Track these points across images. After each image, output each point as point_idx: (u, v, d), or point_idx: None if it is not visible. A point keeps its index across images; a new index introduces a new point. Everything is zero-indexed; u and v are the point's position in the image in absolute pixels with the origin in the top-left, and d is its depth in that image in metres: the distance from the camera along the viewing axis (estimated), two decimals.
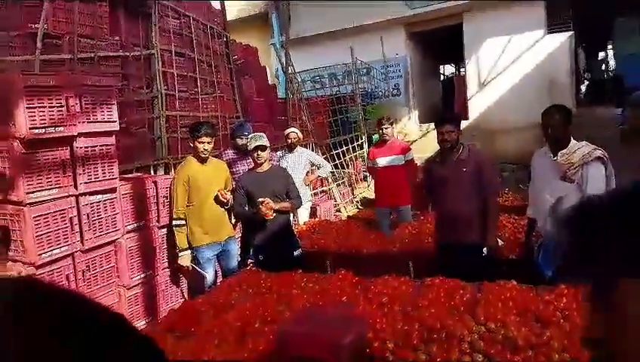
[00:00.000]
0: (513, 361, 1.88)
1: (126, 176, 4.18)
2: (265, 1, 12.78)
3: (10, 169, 2.92)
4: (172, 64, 5.78)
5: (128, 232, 3.68)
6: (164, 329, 2.63)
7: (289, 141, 5.38)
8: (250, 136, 4.01)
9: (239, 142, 4.60)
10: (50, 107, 3.02)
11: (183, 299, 4.10)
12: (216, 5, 7.27)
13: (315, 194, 7.34)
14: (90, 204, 3.34)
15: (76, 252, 3.24)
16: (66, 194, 3.17)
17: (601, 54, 17.75)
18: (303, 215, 5.58)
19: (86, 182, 3.30)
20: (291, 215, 4.43)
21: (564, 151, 2.97)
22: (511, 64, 11.18)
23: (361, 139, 9.68)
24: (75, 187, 3.24)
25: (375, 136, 8.81)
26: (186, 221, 3.84)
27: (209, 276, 3.92)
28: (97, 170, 3.39)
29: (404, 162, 5.11)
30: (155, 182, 3.95)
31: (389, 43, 11.58)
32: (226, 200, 3.88)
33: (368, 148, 8.95)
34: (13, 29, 4.26)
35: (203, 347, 2.27)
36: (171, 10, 5.88)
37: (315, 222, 5.52)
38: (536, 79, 10.69)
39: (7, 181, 2.91)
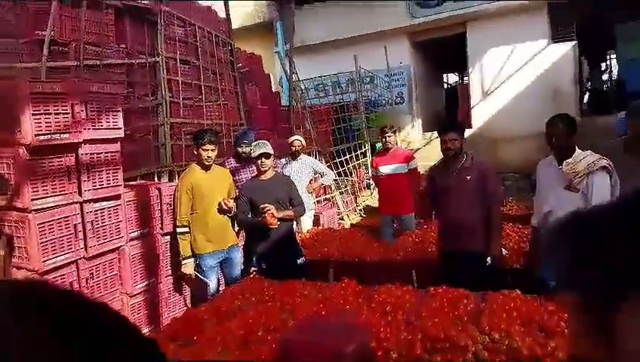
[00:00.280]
0: None
1: (130, 183, 4.19)
2: (269, 1, 12.85)
3: (16, 175, 2.93)
4: (177, 72, 5.82)
5: (132, 239, 3.68)
6: (166, 337, 2.62)
7: (293, 149, 5.39)
8: (254, 143, 4.03)
9: (240, 150, 4.61)
10: (55, 114, 3.04)
11: (185, 307, 4.09)
12: (222, 14, 7.34)
13: (319, 202, 7.34)
14: (95, 211, 3.35)
15: (80, 259, 3.25)
16: (71, 201, 3.18)
17: (605, 63, 17.75)
18: (306, 223, 5.58)
19: (90, 189, 3.31)
20: (294, 223, 4.43)
21: (569, 160, 2.96)
22: (514, 73, 11.20)
23: (365, 147, 9.68)
24: (80, 194, 3.25)
25: (378, 145, 8.81)
26: (189, 228, 3.84)
27: (212, 284, 3.91)
28: (102, 177, 3.40)
29: (407, 170, 5.11)
30: (158, 190, 3.96)
31: (392, 52, 11.62)
32: (228, 209, 3.88)
33: (371, 156, 8.96)
34: (21, 37, 4.31)
35: (206, 355, 2.26)
36: (177, 19, 5.94)
37: (318, 230, 5.52)
38: (540, 88, 10.69)
39: (11, 187, 2.92)
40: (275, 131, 8.16)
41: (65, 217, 3.13)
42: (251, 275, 3.84)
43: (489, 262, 3.26)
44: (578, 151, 3.00)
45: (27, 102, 2.87)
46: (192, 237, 3.85)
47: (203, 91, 6.23)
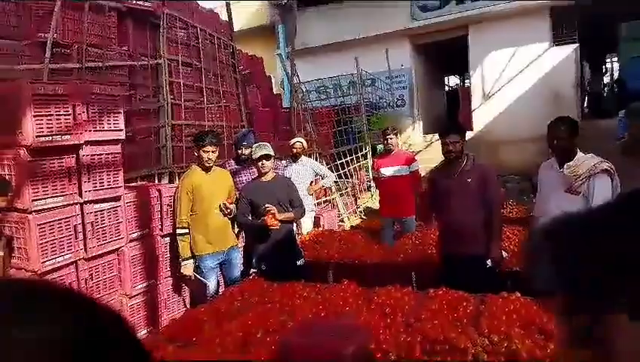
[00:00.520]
0: None
1: (130, 184, 4.20)
2: (271, 3, 12.88)
3: (17, 177, 2.94)
4: (179, 74, 5.84)
5: (131, 241, 3.68)
6: (165, 338, 2.62)
7: (294, 151, 5.39)
8: (254, 145, 4.03)
9: (240, 152, 4.61)
10: (57, 115, 3.05)
11: (185, 309, 4.08)
12: (224, 16, 7.36)
13: (319, 203, 7.34)
14: (95, 212, 3.35)
15: (79, 260, 3.25)
16: (71, 202, 3.18)
17: (606, 66, 17.74)
18: (306, 224, 5.57)
19: (91, 190, 3.32)
20: (294, 224, 4.43)
21: (570, 163, 2.96)
22: (516, 76, 11.20)
23: (365, 149, 9.69)
24: (80, 195, 3.26)
25: (379, 147, 8.82)
26: (189, 230, 3.84)
27: (211, 285, 3.91)
28: (103, 178, 3.41)
29: (409, 172, 5.11)
30: (159, 191, 3.96)
31: (394, 54, 11.64)
32: (229, 211, 3.88)
33: (372, 158, 8.96)
34: (24, 38, 4.32)
35: (205, 357, 2.26)
36: (179, 21, 5.96)
37: (319, 232, 5.52)
38: (542, 91, 10.69)
39: (12, 188, 2.93)
40: (276, 133, 8.17)
41: (65, 218, 3.14)
42: (251, 277, 3.84)
43: (489, 264, 3.25)
44: (580, 154, 3.00)
45: (29, 104, 2.88)
46: (192, 239, 3.85)
47: (204, 93, 6.25)
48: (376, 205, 7.38)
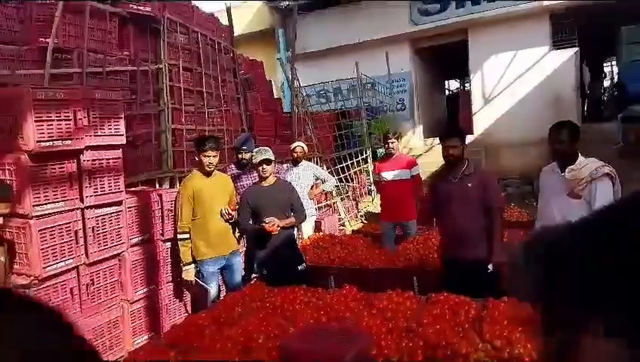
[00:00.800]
0: None
1: (131, 189, 4.20)
2: (271, 6, 12.92)
3: (18, 182, 2.94)
4: (179, 79, 5.85)
5: (132, 246, 3.68)
6: (167, 343, 2.61)
7: (295, 155, 5.40)
8: (255, 150, 4.03)
9: (240, 156, 4.61)
10: (58, 120, 3.06)
11: (186, 314, 4.08)
12: (224, 21, 7.38)
13: (320, 208, 7.33)
14: (96, 217, 3.35)
15: (81, 265, 3.25)
16: (72, 207, 3.18)
17: (606, 70, 17.76)
18: (307, 229, 5.57)
19: (92, 196, 3.32)
20: (295, 229, 4.42)
21: (572, 167, 2.96)
22: (516, 80, 11.21)
23: (366, 153, 9.69)
24: (81, 200, 3.26)
25: (380, 151, 8.82)
26: (190, 235, 3.84)
27: (212, 290, 3.91)
28: (104, 183, 3.41)
29: (410, 177, 5.10)
30: (160, 196, 3.96)
31: (394, 58, 11.66)
32: (230, 216, 3.88)
33: (373, 162, 8.96)
34: (25, 44, 4.34)
35: None
36: (180, 26, 5.97)
37: (320, 237, 5.51)
38: (542, 95, 10.70)
39: (13, 193, 2.93)
40: (276, 137, 8.18)
41: (66, 223, 3.14)
42: (252, 281, 3.83)
43: (490, 268, 3.24)
44: (581, 157, 2.99)
45: (30, 109, 2.89)
46: (193, 244, 3.85)
47: (205, 98, 6.26)
48: (377, 209, 7.37)
